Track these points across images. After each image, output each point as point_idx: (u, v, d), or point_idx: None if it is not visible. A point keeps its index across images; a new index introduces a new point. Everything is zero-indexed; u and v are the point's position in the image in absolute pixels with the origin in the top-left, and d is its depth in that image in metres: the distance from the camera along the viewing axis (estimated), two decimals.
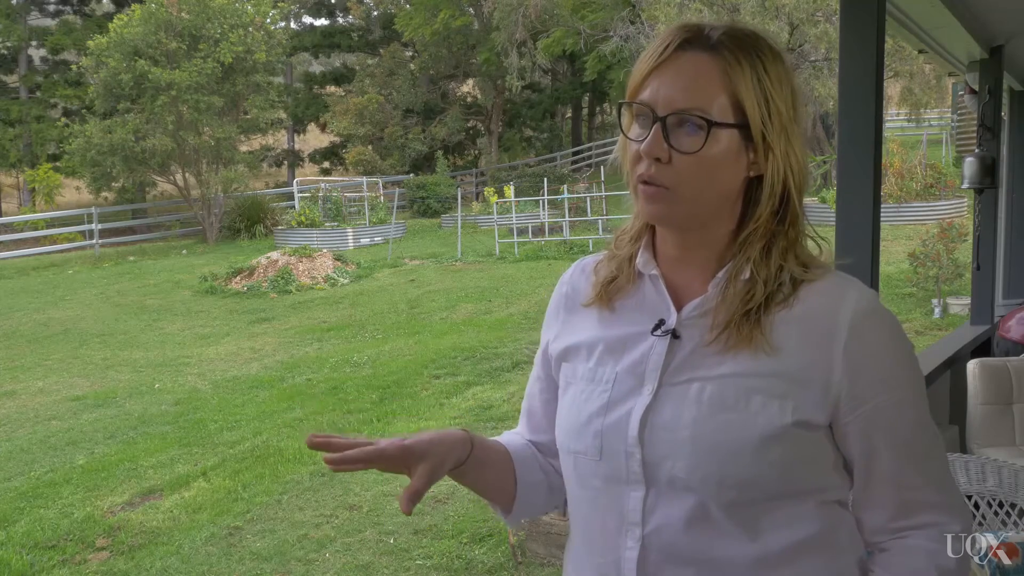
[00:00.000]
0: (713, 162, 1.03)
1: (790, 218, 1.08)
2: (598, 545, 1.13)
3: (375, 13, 34.07)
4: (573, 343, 1.19)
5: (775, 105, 1.05)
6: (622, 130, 1.09)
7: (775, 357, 1.05)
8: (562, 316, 1.24)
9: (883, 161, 3.29)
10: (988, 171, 4.47)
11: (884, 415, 1.06)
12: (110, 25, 22.13)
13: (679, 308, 1.11)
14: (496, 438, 1.28)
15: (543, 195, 19.17)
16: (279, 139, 34.04)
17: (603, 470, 1.11)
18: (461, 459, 1.14)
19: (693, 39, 1.04)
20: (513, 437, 1.30)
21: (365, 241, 19.82)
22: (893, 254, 12.63)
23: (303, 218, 20.31)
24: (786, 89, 1.06)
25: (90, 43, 22.18)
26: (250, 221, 21.85)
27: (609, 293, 1.16)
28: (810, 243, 1.13)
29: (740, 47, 1.04)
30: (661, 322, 1.11)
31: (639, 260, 1.15)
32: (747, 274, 1.07)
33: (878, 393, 1.06)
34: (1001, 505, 2.28)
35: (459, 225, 17.87)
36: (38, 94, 29.85)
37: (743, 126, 1.04)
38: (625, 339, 1.13)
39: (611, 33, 21.37)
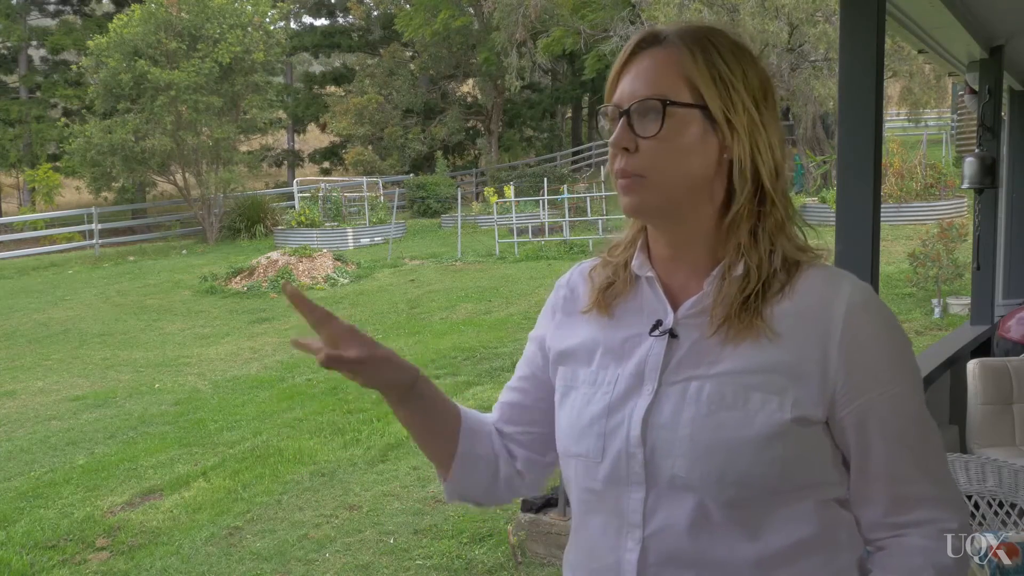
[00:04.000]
0: (679, 146, 1.07)
1: (769, 199, 1.10)
2: (598, 547, 1.13)
3: (375, 13, 34.05)
4: (570, 346, 1.20)
5: (734, 87, 1.07)
6: (602, 136, 1.15)
7: (775, 347, 1.05)
8: (559, 319, 1.24)
9: (883, 161, 3.28)
10: (988, 171, 4.47)
11: (879, 409, 1.06)
12: (110, 25, 22.14)
13: (676, 308, 1.12)
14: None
15: (543, 195, 19.17)
16: (279, 139, 34.04)
17: (604, 472, 1.11)
18: (404, 383, 1.16)
19: (649, 40, 1.11)
20: (477, 412, 1.31)
21: (365, 241, 19.82)
22: (893, 254, 12.62)
23: (303, 218, 20.30)
24: (749, 74, 1.09)
25: (90, 43, 22.20)
26: (250, 221, 21.85)
27: (607, 299, 1.18)
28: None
29: (691, 38, 1.09)
30: (659, 323, 1.11)
31: (634, 263, 1.16)
32: (740, 268, 1.08)
33: (873, 387, 1.06)
34: (1001, 505, 2.28)
35: (459, 225, 17.87)
36: (38, 94, 29.85)
37: (703, 107, 1.07)
38: (624, 341, 1.14)
39: (611, 33, 21.38)
